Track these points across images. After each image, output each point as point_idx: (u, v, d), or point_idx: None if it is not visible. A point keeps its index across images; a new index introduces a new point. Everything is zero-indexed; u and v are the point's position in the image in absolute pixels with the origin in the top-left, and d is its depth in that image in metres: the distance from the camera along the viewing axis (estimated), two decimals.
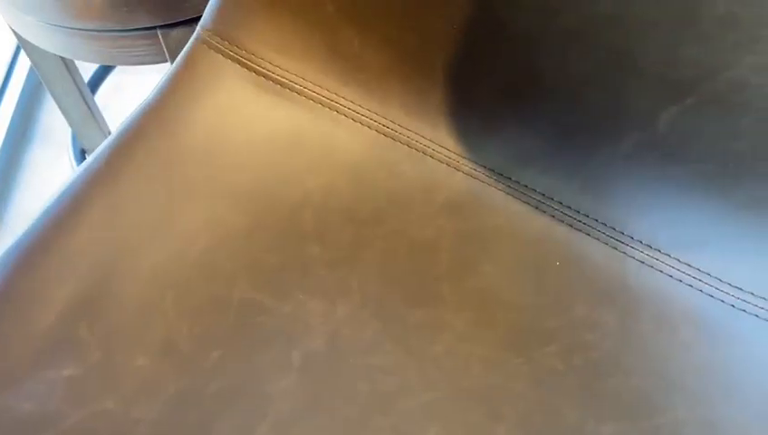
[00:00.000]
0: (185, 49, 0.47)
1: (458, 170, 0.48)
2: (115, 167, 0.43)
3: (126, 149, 0.44)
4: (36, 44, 0.69)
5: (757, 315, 0.36)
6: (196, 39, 0.47)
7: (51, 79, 0.83)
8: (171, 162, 0.44)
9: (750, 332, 0.36)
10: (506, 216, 0.46)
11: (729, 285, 0.38)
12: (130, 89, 1.20)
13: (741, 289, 0.37)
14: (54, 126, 1.18)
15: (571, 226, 0.44)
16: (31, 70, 1.20)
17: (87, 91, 0.89)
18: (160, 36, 0.63)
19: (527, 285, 0.43)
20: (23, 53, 1.22)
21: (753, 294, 0.37)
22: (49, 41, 0.67)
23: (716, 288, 0.38)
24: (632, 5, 0.38)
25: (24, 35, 0.70)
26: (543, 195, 0.46)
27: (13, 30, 0.71)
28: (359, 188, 0.47)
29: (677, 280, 0.40)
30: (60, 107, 0.88)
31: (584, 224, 0.44)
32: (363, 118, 0.48)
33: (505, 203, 0.46)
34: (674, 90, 0.39)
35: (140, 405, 0.36)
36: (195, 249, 0.42)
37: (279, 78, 0.48)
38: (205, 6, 0.61)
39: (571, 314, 0.41)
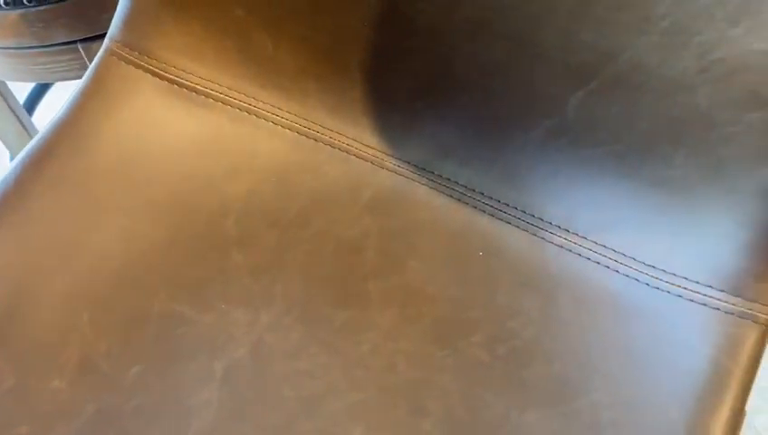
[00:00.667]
0: (94, 62, 0.46)
1: (382, 168, 0.47)
2: (24, 187, 0.42)
3: (36, 167, 0.43)
4: None
5: (669, 292, 0.37)
6: (105, 51, 0.46)
7: None
8: (84, 179, 0.43)
9: (663, 309, 0.36)
10: (430, 210, 0.46)
11: (643, 263, 0.38)
12: None
13: (654, 267, 0.38)
14: None
15: (492, 215, 0.44)
16: None
17: (23, 112, 0.87)
18: (81, 50, 0.62)
19: (452, 277, 0.43)
20: None
21: (665, 271, 0.37)
22: None
23: (631, 268, 0.39)
24: None
25: None
26: (465, 187, 0.46)
27: None
28: (282, 192, 0.46)
29: (595, 262, 0.40)
30: None
31: (505, 213, 0.44)
32: (283, 120, 0.48)
33: (429, 197, 0.46)
34: (578, 75, 0.39)
35: (58, 428, 0.35)
36: (111, 265, 0.41)
37: (193, 85, 0.47)
38: None
39: (495, 304, 0.41)
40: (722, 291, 0.35)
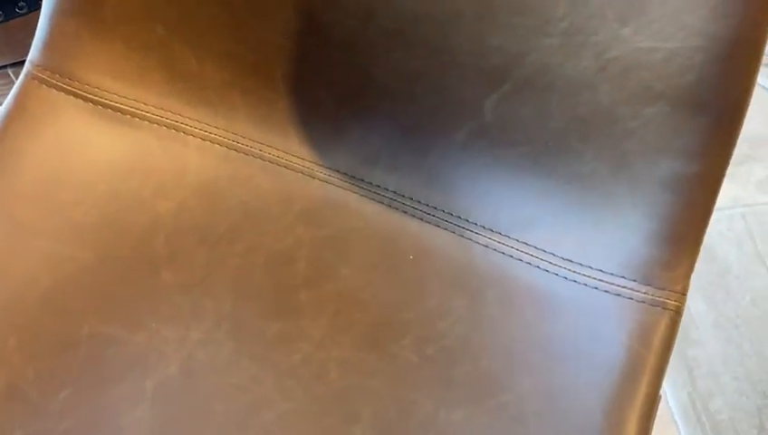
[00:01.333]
0: (15, 87, 0.46)
1: (313, 178, 0.48)
2: None
3: None
4: None
5: (586, 284, 0.38)
6: (26, 75, 0.46)
7: None
8: (6, 204, 0.42)
9: (581, 301, 0.37)
10: (362, 217, 0.46)
11: (561, 258, 0.39)
12: None
13: (571, 261, 0.39)
14: None
15: (421, 219, 0.45)
16: None
17: None
18: (11, 75, 0.61)
19: (383, 282, 0.43)
20: None
21: (581, 264, 0.38)
22: None
23: (551, 263, 0.40)
24: (438, 1, 0.39)
25: None
26: (394, 192, 0.46)
27: None
28: (212, 207, 0.46)
29: (518, 259, 0.41)
30: None
31: (433, 216, 0.45)
32: (211, 135, 0.48)
33: (360, 205, 0.47)
34: (490, 78, 0.40)
35: None
36: (37, 290, 0.41)
37: (118, 105, 0.47)
38: None
39: (425, 305, 0.42)
40: (633, 280, 0.36)
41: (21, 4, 0.56)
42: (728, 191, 1.12)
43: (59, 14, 0.45)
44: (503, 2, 0.37)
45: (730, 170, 1.07)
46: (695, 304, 1.00)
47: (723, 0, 0.29)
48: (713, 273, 1.04)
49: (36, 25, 0.59)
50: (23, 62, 0.61)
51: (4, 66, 0.60)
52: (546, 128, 0.39)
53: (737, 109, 0.32)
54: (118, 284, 0.42)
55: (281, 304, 0.42)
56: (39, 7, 0.57)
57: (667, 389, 0.95)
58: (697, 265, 1.01)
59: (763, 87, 1.24)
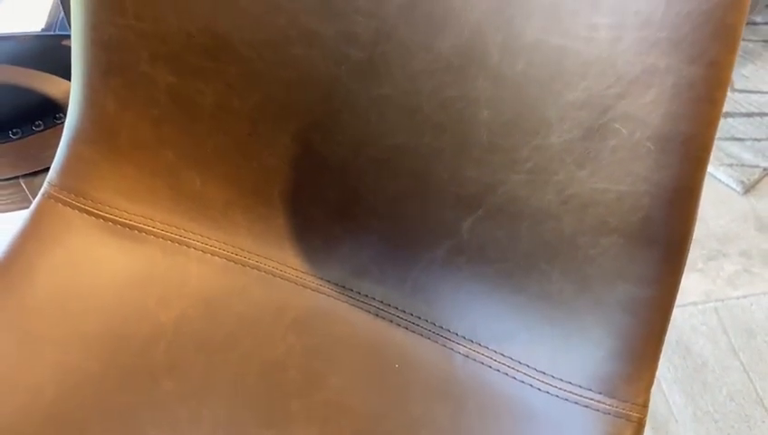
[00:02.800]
0: (32, 205, 0.50)
1: (305, 287, 0.52)
2: None
3: None
4: None
5: (557, 396, 0.41)
6: (43, 195, 0.50)
7: None
8: (17, 316, 0.45)
9: (552, 411, 0.41)
10: (350, 325, 0.50)
11: (535, 370, 0.43)
12: None
13: (544, 373, 0.42)
14: None
15: (406, 328, 0.49)
16: None
17: None
18: (23, 185, 0.65)
19: (370, 390, 0.46)
20: None
21: (553, 376, 0.42)
22: None
23: (526, 374, 0.43)
24: (421, 137, 0.44)
25: None
26: (381, 302, 0.50)
27: None
28: (211, 316, 0.50)
29: (496, 370, 0.44)
30: None
31: (417, 325, 0.48)
32: (212, 248, 0.52)
33: (349, 314, 0.50)
34: (467, 204, 0.45)
35: None
36: (43, 401, 0.43)
37: (127, 222, 0.51)
38: None
39: (409, 414, 0.44)
40: (599, 393, 0.40)
41: (38, 122, 0.61)
42: (700, 286, 1.17)
43: (78, 142, 0.50)
44: (476, 141, 0.42)
45: (701, 266, 1.13)
46: (673, 397, 1.03)
47: (664, 154, 0.34)
48: (689, 367, 1.07)
49: (49, 142, 0.64)
50: (34, 173, 0.66)
51: (17, 177, 0.65)
52: (517, 249, 0.44)
53: (682, 242, 0.37)
54: (120, 392, 0.45)
55: (274, 412, 0.45)
56: (54, 126, 0.63)
57: None
58: (675, 359, 1.03)
59: (730, 187, 1.32)
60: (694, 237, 1.08)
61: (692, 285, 1.17)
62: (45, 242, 0.49)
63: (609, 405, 0.39)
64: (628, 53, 0.33)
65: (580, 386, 0.41)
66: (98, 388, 0.45)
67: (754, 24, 1.68)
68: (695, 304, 1.15)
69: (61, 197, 0.50)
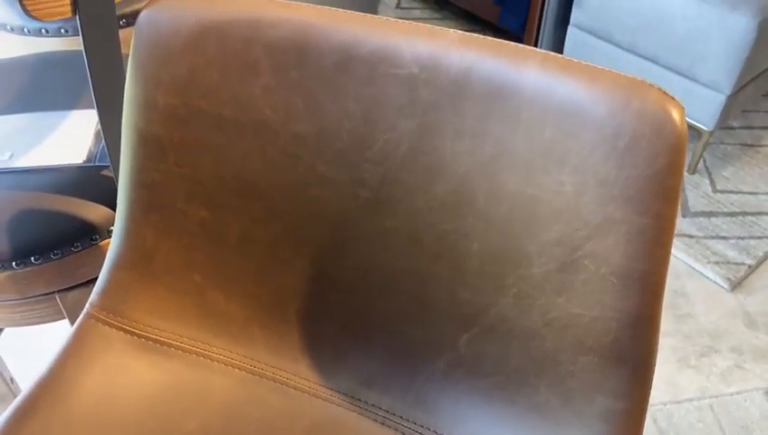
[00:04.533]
0: (75, 325, 0.56)
1: (317, 397, 0.57)
2: None
3: (19, 423, 0.50)
4: None
5: None
6: (85, 315, 0.56)
7: None
8: (61, 430, 0.50)
9: None
10: (359, 433, 0.54)
11: None
12: (34, 334, 1.24)
13: None
14: None
15: None
16: None
17: None
18: (58, 299, 0.71)
19: None
20: None
21: None
22: None
23: None
24: (421, 263, 0.51)
25: None
26: (387, 411, 0.55)
27: None
28: (231, 424, 0.54)
29: None
30: None
31: (420, 434, 0.53)
32: (233, 361, 0.57)
33: (357, 423, 0.55)
34: (463, 321, 0.51)
35: None
36: None
37: (157, 338, 0.57)
38: (97, 271, 0.71)
39: None
40: None
41: (76, 244, 0.68)
42: (694, 383, 1.20)
43: (118, 268, 0.56)
44: (469, 268, 0.48)
45: (694, 362, 1.17)
46: None
47: (625, 287, 0.41)
48: None
49: (85, 260, 0.71)
50: (68, 289, 0.72)
51: (53, 292, 0.71)
52: (509, 363, 0.49)
53: (647, 360, 0.43)
54: None
55: None
56: (90, 246, 0.69)
57: None
58: None
59: (718, 284, 1.38)
60: (686, 334, 1.14)
61: (686, 381, 1.21)
62: (86, 359, 0.54)
63: None
64: (590, 205, 0.40)
65: None
66: None
67: (731, 128, 1.79)
68: (690, 400, 1.18)
69: (100, 316, 0.56)
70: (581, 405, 0.45)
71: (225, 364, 0.57)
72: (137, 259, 0.56)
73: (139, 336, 0.56)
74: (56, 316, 0.74)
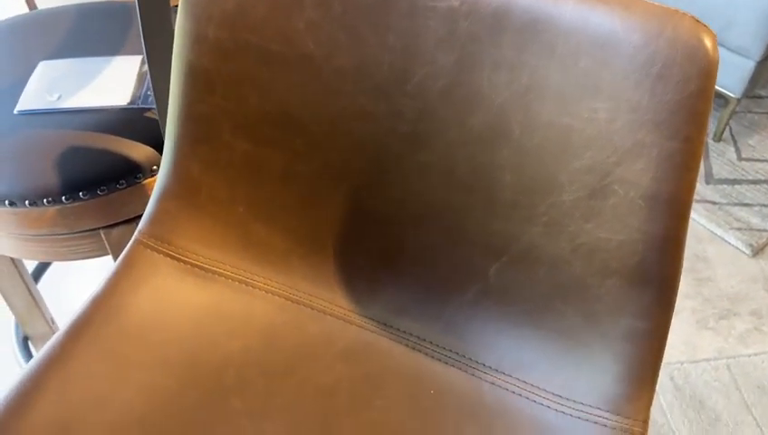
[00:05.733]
0: (125, 250, 0.59)
1: (351, 324, 0.60)
2: (66, 352, 0.53)
3: (76, 335, 0.54)
4: None
5: (571, 415, 0.48)
6: (134, 241, 0.60)
7: None
8: (112, 343, 0.54)
9: (567, 429, 0.47)
10: (391, 357, 0.58)
11: (552, 393, 0.50)
12: (72, 277, 1.29)
13: (560, 396, 0.49)
14: None
15: (440, 360, 0.56)
16: None
17: (32, 281, 0.98)
18: (103, 235, 0.75)
19: (409, 412, 0.54)
20: None
21: (567, 398, 0.49)
22: (3, 246, 0.77)
23: (544, 398, 0.50)
24: (455, 195, 0.53)
25: None
26: (418, 337, 0.58)
27: None
28: (271, 346, 0.58)
29: (518, 395, 0.52)
30: (6, 299, 0.96)
31: (449, 358, 0.56)
32: (273, 289, 0.61)
33: (390, 347, 0.58)
34: (493, 252, 0.53)
35: None
36: (133, 416, 0.51)
37: (202, 265, 0.60)
38: (141, 208, 0.75)
39: (444, 431, 0.52)
40: (607, 411, 0.47)
41: (121, 181, 0.72)
42: (713, 344, 1.22)
43: (165, 198, 0.59)
44: (501, 199, 0.51)
45: (713, 325, 1.19)
46: None
47: (652, 210, 0.43)
48: (704, 421, 1.11)
49: (129, 198, 0.74)
50: (111, 226, 0.76)
51: (98, 228, 0.75)
52: (536, 291, 0.52)
53: (671, 282, 0.45)
54: (197, 409, 0.52)
55: (327, 429, 0.52)
56: (134, 184, 0.73)
57: None
58: (689, 413, 1.08)
59: (740, 250, 1.39)
60: (706, 297, 1.16)
61: (705, 342, 1.23)
62: (135, 281, 0.58)
63: (616, 421, 0.46)
64: (622, 131, 0.42)
65: (590, 406, 0.48)
66: (178, 405, 0.52)
67: (759, 97, 1.78)
68: (707, 360, 1.20)
69: (149, 243, 0.59)
70: (606, 327, 0.47)
71: (266, 291, 0.61)
72: (183, 190, 0.59)
73: (184, 262, 0.59)
74: (100, 252, 0.77)
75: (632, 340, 0.46)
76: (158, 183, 0.60)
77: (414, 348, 0.58)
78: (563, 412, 0.49)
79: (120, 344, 0.55)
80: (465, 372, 0.55)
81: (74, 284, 1.26)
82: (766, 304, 1.30)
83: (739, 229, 1.42)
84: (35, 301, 0.99)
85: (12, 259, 0.92)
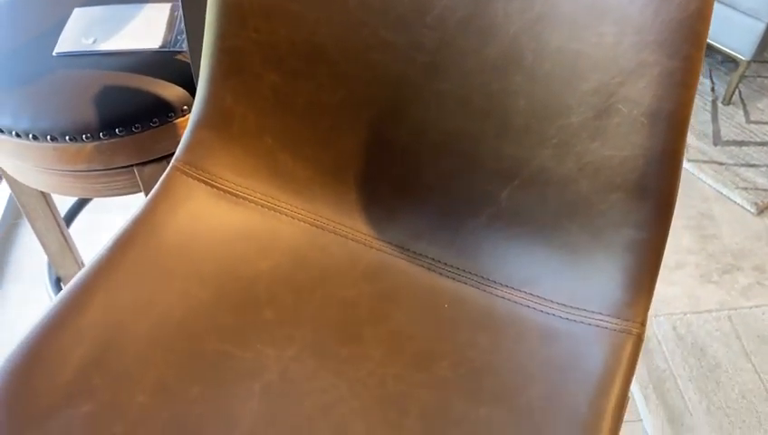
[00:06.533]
0: (163, 176, 0.64)
1: (371, 247, 0.64)
2: (113, 261, 0.58)
3: (121, 248, 0.59)
4: (28, 185, 0.85)
5: (575, 321, 0.52)
6: (171, 168, 0.64)
7: (33, 214, 0.97)
8: (154, 257, 0.59)
9: (572, 333, 0.52)
10: (408, 276, 0.62)
11: (558, 303, 0.54)
12: (101, 225, 1.35)
13: (565, 305, 0.54)
14: (25, 265, 1.30)
15: (453, 279, 0.61)
16: (5, 212, 1.34)
17: (63, 224, 1.03)
18: (136, 172, 0.80)
19: (425, 323, 0.58)
20: None
21: (572, 307, 0.53)
22: (41, 181, 0.82)
23: (551, 307, 0.55)
24: (471, 122, 0.57)
25: (16, 177, 0.85)
26: (433, 259, 0.62)
27: (1, 171, 0.87)
28: (298, 266, 0.62)
29: (527, 306, 0.56)
30: (39, 239, 1.01)
31: (462, 276, 0.60)
32: (299, 215, 0.65)
33: (407, 268, 0.63)
34: (505, 176, 0.57)
35: (141, 428, 0.49)
36: (173, 319, 0.56)
37: (234, 191, 0.64)
38: (172, 146, 0.79)
39: (457, 339, 0.56)
40: (609, 316, 0.51)
41: (154, 120, 0.76)
42: (715, 296, 1.26)
43: (200, 128, 0.64)
44: (514, 124, 0.54)
45: (716, 279, 1.23)
46: (688, 393, 1.11)
47: (653, 126, 0.47)
48: (704, 367, 1.15)
49: (162, 136, 0.78)
50: (144, 163, 0.80)
51: (131, 165, 0.79)
52: (545, 211, 0.56)
53: (670, 194, 0.49)
54: (231, 316, 0.57)
55: (349, 336, 0.57)
56: (166, 123, 0.77)
57: None
58: (690, 360, 1.13)
59: (745, 208, 1.42)
60: (710, 253, 1.20)
61: (707, 295, 1.27)
62: (172, 204, 0.63)
63: (616, 324, 0.51)
64: (627, 52, 0.46)
65: (593, 311, 0.52)
66: (214, 313, 0.57)
67: None
68: (709, 311, 1.24)
69: (185, 169, 0.64)
70: (609, 240, 0.52)
71: (292, 217, 0.65)
72: (216, 120, 0.63)
73: (217, 188, 0.64)
74: (133, 189, 0.82)
75: (633, 250, 0.50)
76: (192, 114, 0.64)
77: (430, 269, 0.62)
78: (568, 319, 0.53)
79: (159, 258, 0.59)
80: (478, 288, 0.59)
81: (103, 232, 1.32)
82: None
83: (745, 189, 1.45)
84: (67, 243, 1.04)
85: (46, 201, 0.97)
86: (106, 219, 1.36)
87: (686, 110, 0.45)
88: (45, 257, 1.11)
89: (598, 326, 0.52)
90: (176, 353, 0.54)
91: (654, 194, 0.49)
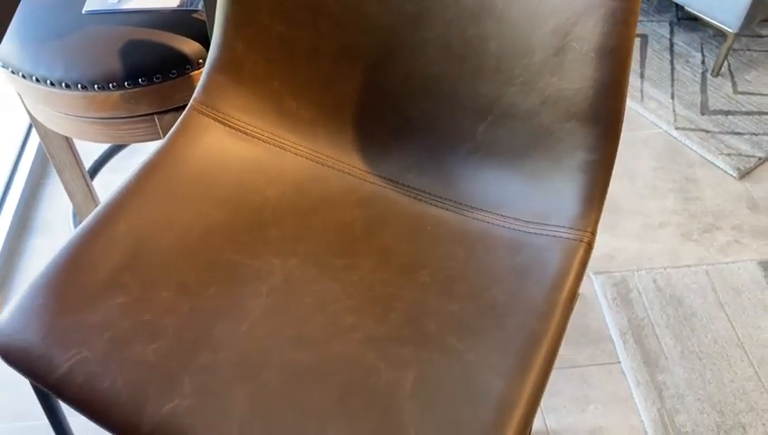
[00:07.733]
0: (183, 114, 0.72)
1: (365, 181, 0.73)
2: (140, 185, 0.67)
3: (147, 174, 0.68)
4: (56, 131, 0.94)
5: (538, 233, 0.61)
6: (190, 108, 0.73)
7: (61, 165, 1.07)
8: (176, 183, 0.68)
9: (535, 243, 0.60)
10: (397, 205, 0.71)
11: (524, 221, 0.63)
12: (121, 177, 1.44)
13: (531, 222, 0.62)
14: (52, 218, 1.40)
15: (436, 206, 0.69)
16: (31, 171, 1.43)
17: (87, 175, 1.13)
18: (156, 120, 0.89)
19: (411, 241, 0.67)
20: (26, 155, 1.45)
21: (536, 222, 0.62)
22: (68, 127, 0.91)
23: (518, 224, 0.63)
24: (451, 66, 0.66)
25: (46, 124, 0.94)
26: (420, 190, 0.71)
27: (34, 120, 0.96)
28: (301, 194, 0.71)
29: (498, 226, 0.65)
30: (66, 188, 1.11)
31: (444, 203, 0.69)
32: (302, 152, 0.74)
33: (396, 198, 0.71)
34: (480, 114, 0.66)
35: (167, 317, 0.58)
36: (192, 235, 0.65)
37: (245, 130, 0.73)
38: (189, 97, 0.88)
39: (437, 253, 0.65)
40: (564, 227, 0.60)
41: (173, 71, 0.85)
42: (695, 253, 1.34)
43: (215, 72, 0.72)
44: (487, 66, 0.63)
45: (696, 237, 1.32)
46: (665, 339, 1.20)
47: (601, 60, 0.55)
48: (680, 316, 1.24)
49: (180, 87, 0.87)
50: (164, 112, 0.89)
51: (152, 113, 0.88)
52: (514, 143, 0.64)
53: (616, 120, 0.57)
54: (243, 233, 0.66)
55: (345, 250, 0.66)
56: (184, 74, 0.86)
57: (639, 405, 1.12)
58: (668, 309, 1.21)
59: (727, 173, 1.49)
60: (692, 213, 1.28)
61: (687, 252, 1.35)
62: (191, 139, 0.71)
63: (571, 234, 0.59)
64: None
65: (552, 224, 0.61)
66: (228, 230, 0.66)
67: (759, 36, 1.85)
68: (688, 266, 1.32)
69: (201, 109, 0.73)
70: (566, 163, 0.60)
71: (295, 154, 0.74)
72: (229, 65, 0.72)
73: (230, 126, 0.73)
74: (154, 136, 0.91)
75: (585, 170, 0.59)
76: (208, 60, 0.73)
77: (417, 198, 0.71)
78: (533, 232, 0.62)
79: (180, 185, 0.68)
80: (456, 212, 0.68)
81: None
82: (747, 220, 1.42)
83: (729, 155, 1.53)
84: (91, 193, 1.14)
85: (73, 154, 1.06)
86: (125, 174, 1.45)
87: (626, 45, 0.54)
88: (70, 211, 1.20)
89: (555, 236, 0.60)
90: (195, 261, 0.63)
91: (603, 120, 0.57)
